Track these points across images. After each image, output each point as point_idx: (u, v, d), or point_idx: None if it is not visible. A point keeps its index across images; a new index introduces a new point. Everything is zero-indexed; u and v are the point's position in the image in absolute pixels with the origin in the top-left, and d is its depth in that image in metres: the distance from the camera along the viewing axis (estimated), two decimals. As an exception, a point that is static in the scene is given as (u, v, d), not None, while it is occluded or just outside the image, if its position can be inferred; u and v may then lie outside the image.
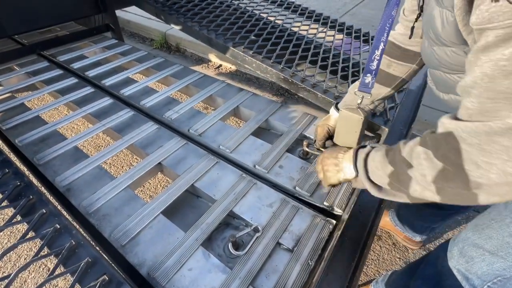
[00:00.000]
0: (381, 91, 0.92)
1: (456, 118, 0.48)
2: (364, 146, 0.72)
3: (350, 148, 0.77)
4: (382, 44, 0.72)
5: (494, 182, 0.44)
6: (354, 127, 0.86)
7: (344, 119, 0.87)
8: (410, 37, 0.80)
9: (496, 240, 0.75)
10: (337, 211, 0.91)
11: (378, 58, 0.74)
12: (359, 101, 0.84)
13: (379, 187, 0.66)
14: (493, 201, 0.48)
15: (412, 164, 0.55)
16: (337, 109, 0.97)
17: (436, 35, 0.59)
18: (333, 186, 0.85)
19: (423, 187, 0.54)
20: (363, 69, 1.50)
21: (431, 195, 0.53)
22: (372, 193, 0.67)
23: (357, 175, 0.71)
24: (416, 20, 0.75)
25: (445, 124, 0.50)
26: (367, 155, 0.68)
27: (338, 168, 0.77)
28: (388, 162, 0.61)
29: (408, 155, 0.56)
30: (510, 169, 0.42)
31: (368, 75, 0.77)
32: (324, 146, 1.02)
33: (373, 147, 0.69)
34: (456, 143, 0.46)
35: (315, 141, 1.05)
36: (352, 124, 0.86)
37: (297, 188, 0.97)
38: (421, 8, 0.71)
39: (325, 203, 0.93)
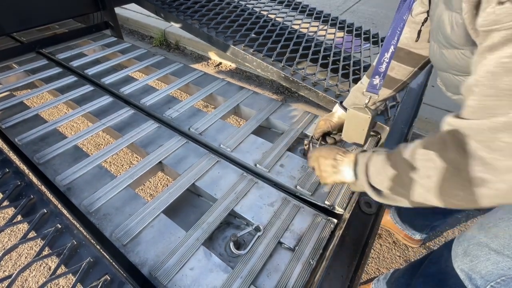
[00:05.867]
0: (382, 93, 0.94)
1: (460, 117, 0.49)
2: (365, 151, 0.72)
3: (356, 144, 0.83)
4: (392, 47, 0.74)
5: (499, 178, 0.44)
6: (362, 126, 0.89)
7: (353, 117, 0.90)
8: (416, 40, 0.81)
9: (503, 239, 0.75)
10: (338, 210, 0.91)
11: (387, 60, 0.76)
12: (366, 101, 0.86)
13: (379, 191, 0.66)
14: (495, 203, 0.48)
15: (415, 166, 0.55)
16: (342, 107, 0.99)
17: (445, 38, 0.60)
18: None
19: (427, 190, 0.54)
20: (364, 67, 1.50)
21: (434, 199, 0.53)
22: (373, 197, 0.67)
23: (356, 180, 0.71)
24: (423, 24, 0.77)
25: (450, 123, 0.50)
26: (369, 159, 0.67)
27: (335, 170, 0.76)
28: (389, 166, 0.61)
29: (411, 157, 0.56)
30: None
31: (377, 77, 0.80)
32: (321, 139, 1.04)
33: (374, 151, 0.68)
34: (463, 140, 0.47)
35: (311, 138, 1.06)
36: (360, 122, 0.89)
37: (298, 187, 0.97)
38: (427, 13, 0.72)
39: (326, 202, 0.93)
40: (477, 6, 0.44)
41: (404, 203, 0.61)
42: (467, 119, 0.47)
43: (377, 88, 0.82)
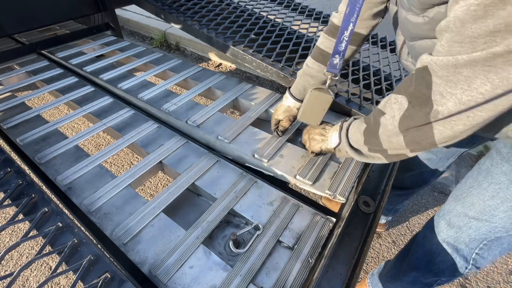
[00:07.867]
0: (348, 52, 0.98)
1: (431, 55, 0.52)
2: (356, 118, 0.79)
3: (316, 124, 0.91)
4: (351, 24, 0.73)
5: (449, 110, 0.49)
6: (323, 106, 0.90)
7: (314, 99, 0.90)
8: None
9: (478, 206, 0.79)
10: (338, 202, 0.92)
11: (346, 39, 0.76)
12: (328, 81, 0.87)
13: (359, 151, 0.74)
14: (446, 137, 0.53)
15: (384, 111, 0.62)
16: (293, 96, 1.03)
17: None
18: (316, 154, 0.98)
19: (391, 132, 0.60)
20: (363, 67, 1.51)
21: (398, 139, 0.59)
22: (354, 157, 0.77)
23: (339, 143, 0.80)
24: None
25: (422, 59, 0.53)
26: (350, 123, 0.78)
27: (323, 138, 0.88)
28: (363, 122, 0.71)
29: (382, 106, 0.63)
30: (465, 97, 0.47)
31: (337, 56, 0.80)
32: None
33: (356, 118, 0.77)
34: (428, 76, 0.51)
35: (276, 128, 1.13)
36: (322, 103, 0.90)
37: (298, 177, 0.98)
38: None
39: (327, 191, 0.93)
40: None
41: (381, 159, 0.69)
42: (437, 56, 0.50)
43: (337, 67, 0.82)
